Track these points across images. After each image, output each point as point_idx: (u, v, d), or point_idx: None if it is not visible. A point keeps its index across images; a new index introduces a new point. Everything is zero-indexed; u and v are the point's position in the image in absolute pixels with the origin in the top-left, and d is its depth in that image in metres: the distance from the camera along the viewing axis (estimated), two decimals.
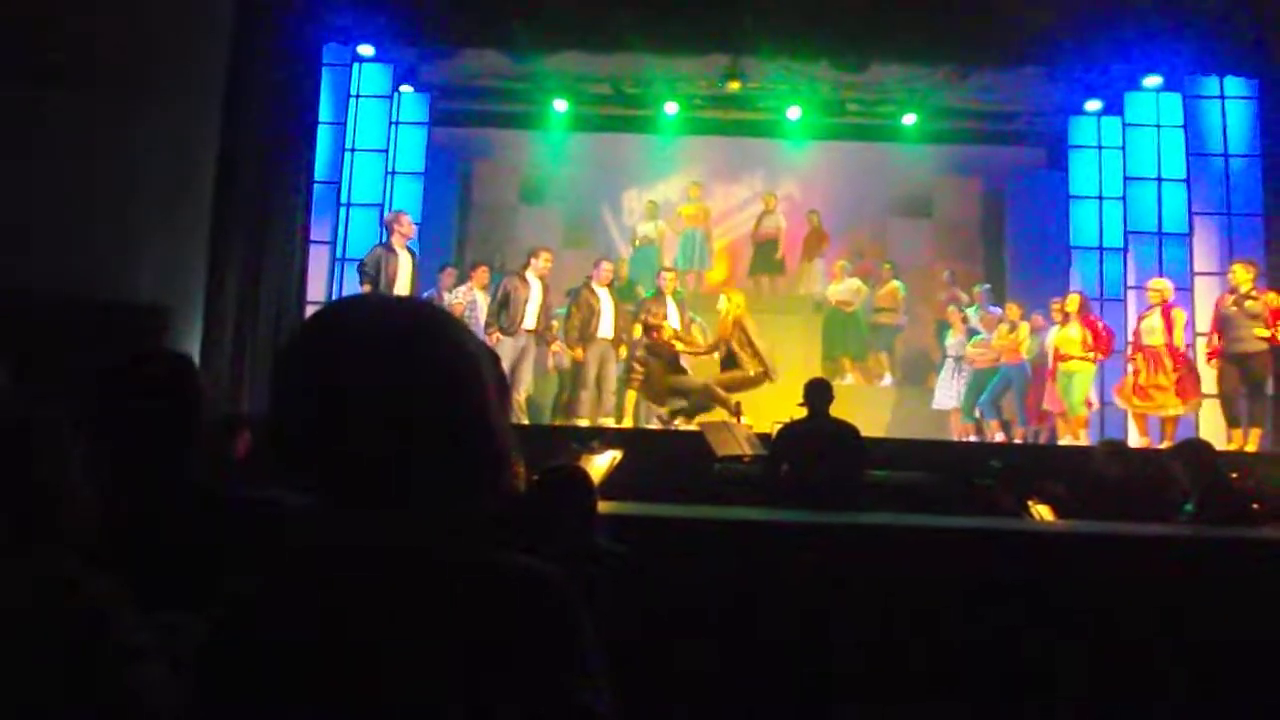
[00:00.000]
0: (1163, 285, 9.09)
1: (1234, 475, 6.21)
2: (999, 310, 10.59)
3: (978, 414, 10.12)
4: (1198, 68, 9.82)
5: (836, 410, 6.26)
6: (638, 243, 12.70)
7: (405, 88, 11.28)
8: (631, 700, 1.06)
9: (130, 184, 7.54)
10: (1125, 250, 10.54)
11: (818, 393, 6.22)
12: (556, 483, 3.23)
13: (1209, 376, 9.04)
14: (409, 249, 9.33)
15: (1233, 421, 8.63)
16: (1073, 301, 9.37)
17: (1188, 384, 8.81)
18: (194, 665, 0.97)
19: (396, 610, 0.94)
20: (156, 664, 1.38)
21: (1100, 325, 9.35)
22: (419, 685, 0.91)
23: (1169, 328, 8.83)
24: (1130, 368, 9.14)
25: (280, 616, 0.96)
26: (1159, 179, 10.41)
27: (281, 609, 0.96)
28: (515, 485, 1.12)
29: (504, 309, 9.16)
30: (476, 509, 1.02)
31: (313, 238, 9.49)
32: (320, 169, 9.67)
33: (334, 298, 9.81)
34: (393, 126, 10.98)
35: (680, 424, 8.71)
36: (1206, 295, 9.62)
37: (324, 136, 9.77)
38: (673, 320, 9.34)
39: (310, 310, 8.93)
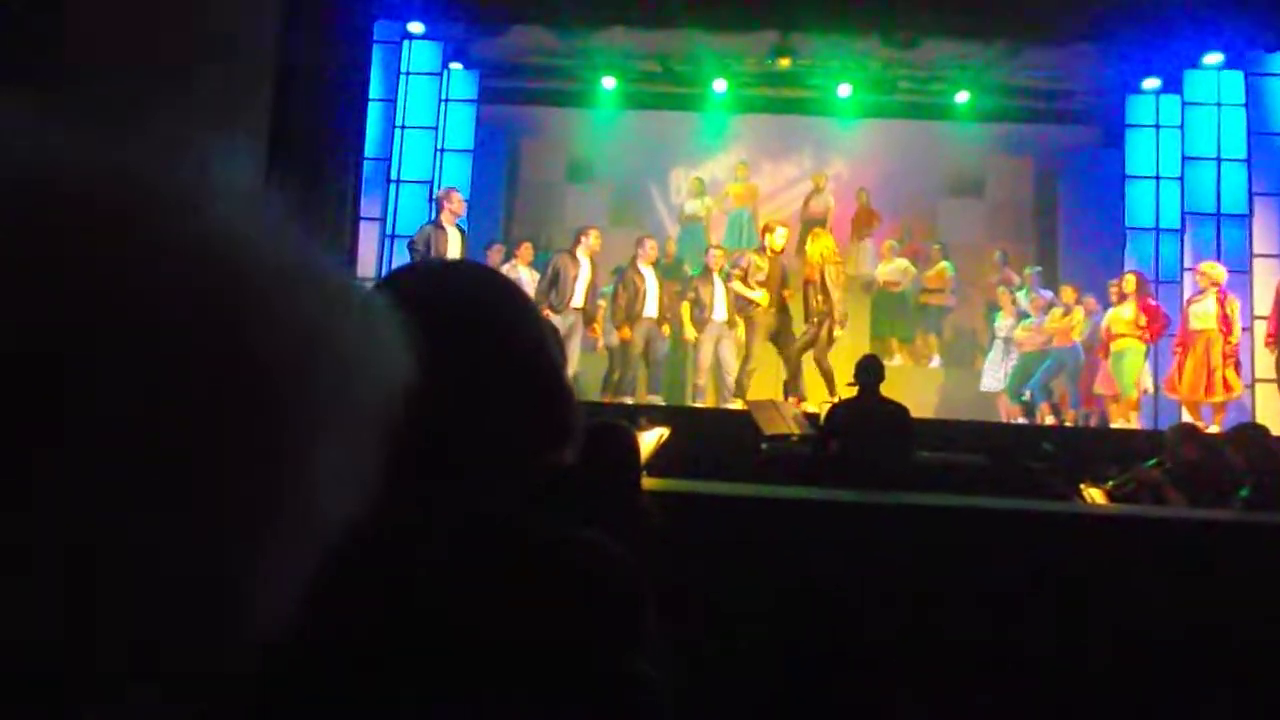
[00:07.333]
0: (1214, 269, 8.90)
1: None
2: (1049, 293, 10.45)
3: (1026, 396, 10.00)
4: (1261, 44, 9.57)
5: (884, 391, 6.23)
6: (685, 221, 12.65)
7: (455, 65, 11.31)
8: (683, 676, 1.06)
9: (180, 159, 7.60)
10: (1182, 232, 10.34)
11: (870, 371, 6.18)
12: (599, 439, 3.22)
13: (1265, 361, 8.87)
14: (459, 226, 9.37)
15: None
16: (1130, 281, 9.21)
17: (1232, 374, 8.64)
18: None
19: (462, 582, 0.93)
20: None
21: (1155, 307, 9.19)
22: (484, 658, 0.91)
23: (1224, 315, 8.64)
24: (1175, 359, 8.98)
25: (349, 592, 0.96)
26: (1218, 159, 10.16)
27: (350, 583, 0.96)
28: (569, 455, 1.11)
29: (554, 286, 9.18)
30: (539, 476, 1.02)
31: (363, 214, 9.56)
32: (370, 146, 9.73)
33: (384, 274, 9.89)
34: (442, 104, 11.02)
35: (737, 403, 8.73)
36: (1266, 278, 9.42)
37: (374, 113, 9.82)
38: (719, 299, 9.32)
39: None
